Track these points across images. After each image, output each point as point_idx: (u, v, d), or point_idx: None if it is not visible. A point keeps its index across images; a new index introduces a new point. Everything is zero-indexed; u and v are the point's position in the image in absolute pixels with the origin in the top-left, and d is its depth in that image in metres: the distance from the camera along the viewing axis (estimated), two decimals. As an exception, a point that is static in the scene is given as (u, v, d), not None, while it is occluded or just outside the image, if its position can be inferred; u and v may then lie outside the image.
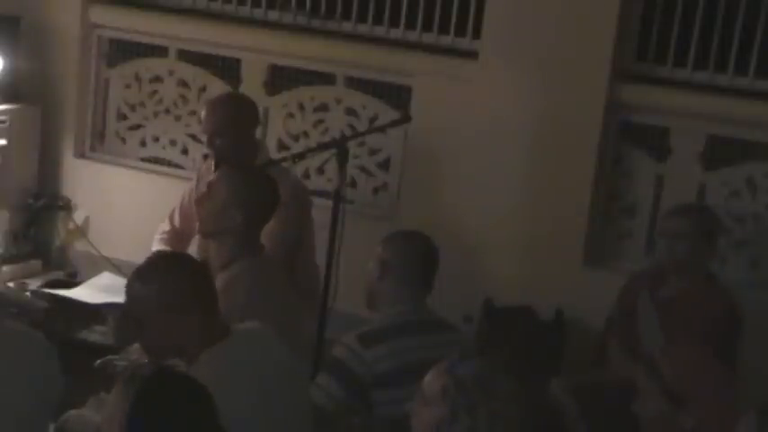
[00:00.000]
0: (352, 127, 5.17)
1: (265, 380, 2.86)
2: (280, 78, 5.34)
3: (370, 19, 5.12)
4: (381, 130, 4.76)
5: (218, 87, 5.37)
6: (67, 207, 5.50)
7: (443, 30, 5.01)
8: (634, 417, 2.82)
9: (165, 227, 4.36)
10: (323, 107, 5.27)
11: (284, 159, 4.44)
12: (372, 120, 5.16)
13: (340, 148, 3.92)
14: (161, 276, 2.86)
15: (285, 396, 2.91)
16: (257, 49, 5.31)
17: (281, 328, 3.11)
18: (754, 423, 2.40)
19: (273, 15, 5.30)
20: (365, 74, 5.18)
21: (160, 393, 2.25)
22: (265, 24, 5.32)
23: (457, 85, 4.92)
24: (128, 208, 5.46)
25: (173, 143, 5.56)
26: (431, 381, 2.54)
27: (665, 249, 4.11)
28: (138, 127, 5.64)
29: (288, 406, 2.91)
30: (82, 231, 5.47)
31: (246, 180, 3.68)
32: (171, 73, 5.54)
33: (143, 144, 5.63)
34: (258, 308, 3.02)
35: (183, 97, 5.52)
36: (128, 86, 5.62)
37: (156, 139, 5.60)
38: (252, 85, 5.29)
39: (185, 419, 2.24)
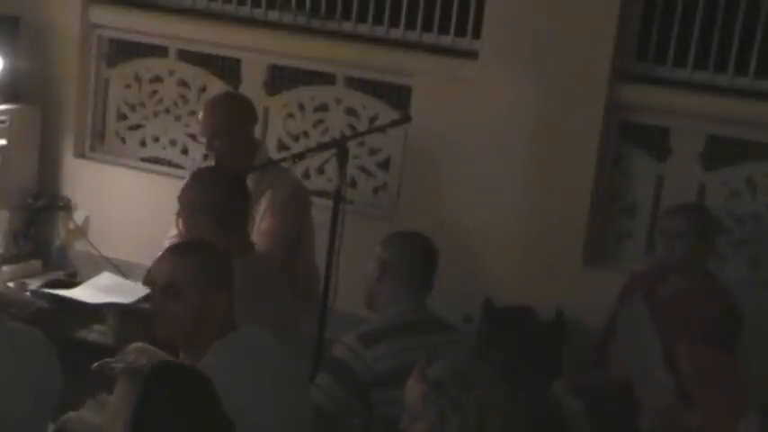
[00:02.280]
0: (352, 127, 5.17)
1: (268, 380, 2.87)
2: (280, 78, 5.34)
3: (370, 19, 5.12)
4: (381, 130, 4.76)
5: (218, 87, 5.36)
6: (67, 207, 5.51)
7: (443, 30, 5.01)
8: (634, 416, 2.81)
9: (173, 230, 4.36)
10: (323, 107, 5.27)
11: (284, 159, 4.44)
12: (372, 120, 5.16)
13: (340, 148, 3.93)
14: (204, 251, 2.96)
15: (286, 397, 2.91)
16: (257, 49, 5.31)
17: (276, 328, 3.11)
18: (755, 423, 2.40)
19: (273, 15, 5.30)
20: (365, 74, 5.18)
21: (165, 386, 2.24)
22: (265, 24, 5.32)
23: (457, 85, 4.92)
24: (128, 208, 5.46)
25: (173, 143, 5.56)
26: (409, 392, 2.53)
27: (664, 249, 4.11)
28: (138, 127, 5.64)
29: (288, 407, 2.91)
30: (82, 231, 5.47)
31: (208, 182, 3.68)
32: (171, 73, 5.54)
33: (143, 144, 5.63)
34: (250, 309, 3.02)
35: (183, 97, 5.52)
36: (128, 86, 5.62)
37: (156, 139, 5.60)
38: (252, 85, 5.29)
39: (192, 410, 2.23)
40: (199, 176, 3.76)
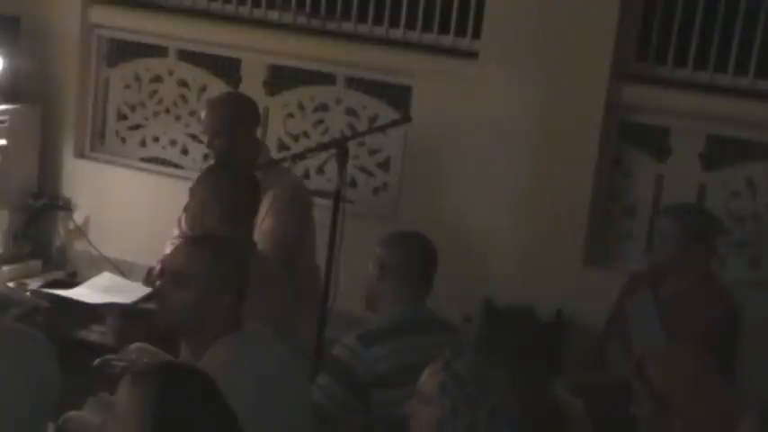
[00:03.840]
0: (352, 127, 5.17)
1: (268, 379, 2.87)
2: (280, 78, 5.34)
3: (370, 19, 5.12)
4: (381, 130, 4.75)
5: (218, 87, 5.37)
6: (67, 207, 5.51)
7: (443, 30, 5.01)
8: (633, 417, 2.82)
9: (176, 231, 4.36)
10: (323, 107, 5.27)
11: (284, 159, 4.44)
12: (372, 120, 5.16)
13: (340, 148, 3.92)
14: (221, 250, 2.97)
15: (286, 397, 2.91)
16: (257, 49, 5.31)
17: (276, 328, 3.11)
18: (755, 423, 2.40)
19: (273, 15, 5.30)
20: (365, 74, 5.18)
21: (180, 387, 2.22)
22: (265, 24, 5.32)
23: (457, 85, 4.92)
24: (128, 208, 5.46)
25: (173, 143, 5.56)
26: (428, 379, 2.54)
27: (656, 250, 4.11)
28: (138, 127, 5.64)
29: (288, 406, 2.91)
30: (82, 231, 5.47)
31: (223, 176, 3.69)
32: (171, 73, 5.54)
33: (143, 144, 5.62)
34: (251, 307, 3.02)
35: (183, 97, 5.52)
36: (128, 86, 5.61)
37: (156, 139, 5.59)
38: (252, 85, 5.29)
39: (206, 410, 2.22)
40: (214, 172, 3.77)
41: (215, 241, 3.10)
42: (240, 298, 2.94)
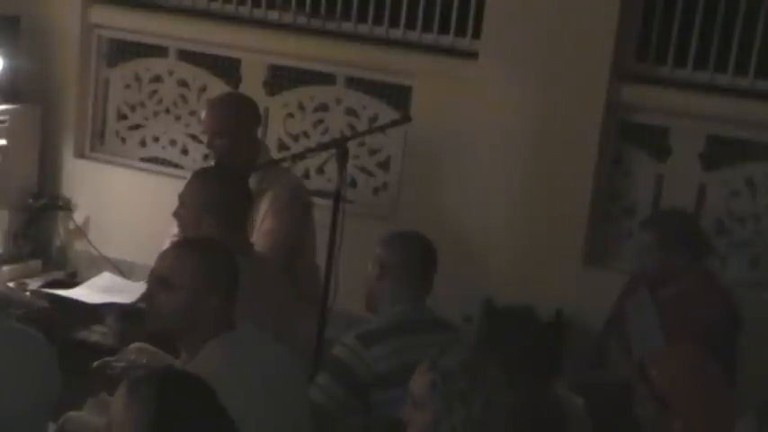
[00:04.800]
0: (352, 127, 5.17)
1: (265, 379, 2.87)
2: (280, 78, 5.34)
3: (370, 19, 5.12)
4: (381, 130, 4.75)
5: (218, 87, 5.37)
6: (67, 207, 5.51)
7: (443, 30, 5.01)
8: (635, 417, 2.82)
9: (174, 230, 4.35)
10: (323, 107, 5.27)
11: (284, 159, 4.44)
12: (372, 120, 5.16)
13: (340, 148, 3.92)
14: (207, 252, 2.95)
15: (283, 398, 2.91)
16: (257, 49, 5.31)
17: (275, 328, 3.11)
18: (753, 423, 2.40)
19: (273, 15, 5.30)
20: (365, 74, 5.18)
21: (177, 395, 2.21)
22: (265, 24, 5.32)
23: (457, 85, 4.92)
24: (128, 208, 5.46)
25: (173, 143, 5.56)
26: (417, 381, 2.53)
27: (638, 261, 4.13)
28: (138, 127, 5.64)
29: (286, 406, 2.91)
30: (82, 231, 5.47)
31: (215, 178, 3.69)
32: (171, 73, 5.54)
33: (143, 144, 5.63)
34: (248, 307, 3.02)
35: (183, 97, 5.52)
36: (128, 86, 5.62)
37: (156, 139, 5.60)
38: (252, 85, 5.29)
39: (204, 417, 2.22)
40: (203, 175, 3.76)
41: (202, 243, 3.09)
42: (229, 299, 2.92)
